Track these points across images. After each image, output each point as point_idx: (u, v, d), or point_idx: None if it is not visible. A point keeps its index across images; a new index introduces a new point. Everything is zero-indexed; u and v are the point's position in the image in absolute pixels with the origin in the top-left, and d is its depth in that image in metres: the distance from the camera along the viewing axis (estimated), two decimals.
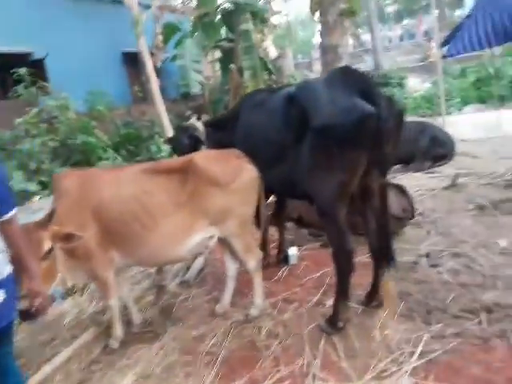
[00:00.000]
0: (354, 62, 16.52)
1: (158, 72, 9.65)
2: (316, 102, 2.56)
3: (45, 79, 8.37)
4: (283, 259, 4.00)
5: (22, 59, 8.24)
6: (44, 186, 6.13)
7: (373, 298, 3.01)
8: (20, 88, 6.80)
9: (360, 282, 3.17)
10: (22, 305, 2.10)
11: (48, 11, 9.45)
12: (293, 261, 3.97)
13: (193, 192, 2.89)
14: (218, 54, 10.54)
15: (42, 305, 2.09)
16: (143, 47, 8.05)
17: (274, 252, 4.11)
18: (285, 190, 3.30)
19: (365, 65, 17.45)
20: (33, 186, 5.78)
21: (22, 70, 6.79)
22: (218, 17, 9.17)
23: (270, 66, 9.77)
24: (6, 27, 8.22)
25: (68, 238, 2.56)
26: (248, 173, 3.04)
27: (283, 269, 3.89)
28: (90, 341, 3.21)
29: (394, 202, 4.01)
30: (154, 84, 7.62)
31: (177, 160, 3.20)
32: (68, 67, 9.15)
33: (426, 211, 4.61)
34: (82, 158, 6.81)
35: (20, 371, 2.22)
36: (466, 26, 7.65)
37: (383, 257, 2.82)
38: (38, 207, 5.14)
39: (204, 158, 3.04)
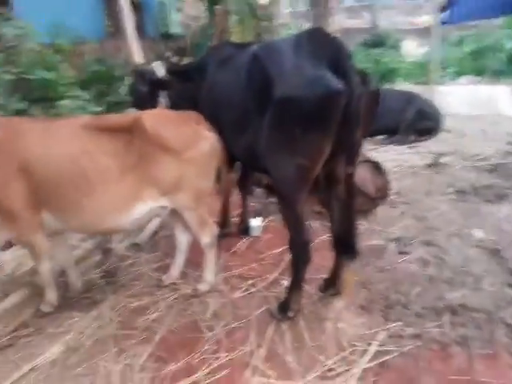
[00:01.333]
0: (351, 16, 15.68)
1: (138, 7, 8.79)
2: (278, 67, 2.15)
3: (6, 4, 7.46)
4: (244, 230, 3.69)
5: None
6: None
7: (330, 286, 2.76)
8: None
9: (323, 263, 2.91)
10: None
11: None
12: (255, 232, 3.67)
13: (140, 156, 2.51)
14: None
15: None
16: None
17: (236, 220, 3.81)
18: (247, 161, 2.94)
19: (361, 21, 16.57)
20: None
21: None
22: None
23: (259, 13, 9.01)
24: None
25: None
26: (206, 141, 2.65)
27: (243, 241, 3.61)
28: (23, 301, 2.89)
29: (369, 180, 3.73)
30: (127, 19, 6.89)
31: (124, 116, 2.76)
32: None
33: (402, 191, 4.32)
34: (43, 94, 6.19)
35: None
36: None
37: (345, 248, 2.54)
38: None
39: (155, 118, 2.62)
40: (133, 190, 2.56)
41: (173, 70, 3.45)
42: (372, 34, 14.18)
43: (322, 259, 2.99)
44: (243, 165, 3.42)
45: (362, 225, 3.69)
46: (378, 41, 13.28)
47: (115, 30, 8.87)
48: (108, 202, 2.55)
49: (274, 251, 3.39)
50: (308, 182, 2.29)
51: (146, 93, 3.44)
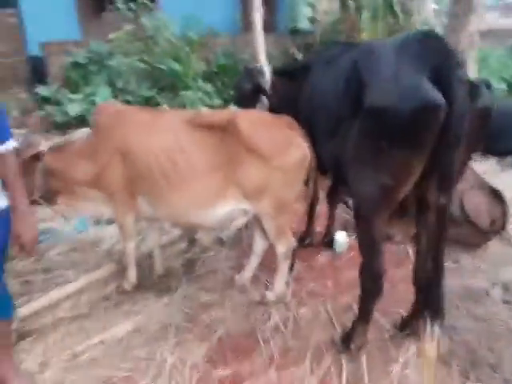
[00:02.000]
0: (507, 15, 13.68)
1: (271, 1, 8.89)
2: (374, 74, 1.91)
3: None
4: (328, 243, 3.50)
5: None
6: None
7: (408, 325, 2.44)
8: (120, 1, 6.66)
9: (406, 296, 2.55)
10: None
11: None
12: (339, 248, 3.43)
13: (230, 156, 2.52)
14: None
15: (25, 245, 1.97)
16: None
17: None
18: (333, 171, 2.74)
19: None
20: None
21: None
22: None
23: (396, 8, 8.33)
24: None
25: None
26: (298, 149, 2.55)
27: (324, 254, 3.42)
28: (110, 275, 3.17)
29: (483, 210, 3.21)
30: (256, 12, 6.97)
31: (221, 114, 2.79)
32: None
33: None
34: (170, 84, 6.69)
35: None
36: None
37: (425, 301, 2.21)
38: None
39: (250, 120, 2.59)
40: (218, 188, 2.58)
41: (278, 71, 3.38)
42: None
43: (406, 291, 2.68)
44: (332, 174, 3.22)
45: (466, 260, 3.21)
46: None
47: (247, 24, 9.11)
48: (193, 197, 2.61)
49: (354, 271, 3.11)
50: (390, 204, 2.03)
51: (249, 91, 3.44)
